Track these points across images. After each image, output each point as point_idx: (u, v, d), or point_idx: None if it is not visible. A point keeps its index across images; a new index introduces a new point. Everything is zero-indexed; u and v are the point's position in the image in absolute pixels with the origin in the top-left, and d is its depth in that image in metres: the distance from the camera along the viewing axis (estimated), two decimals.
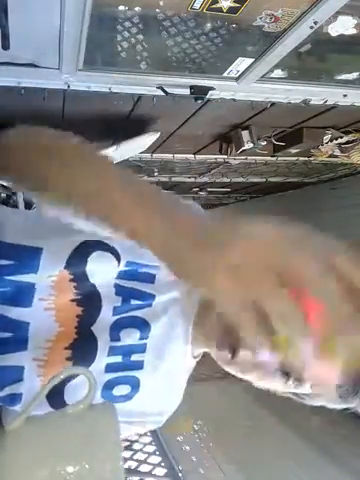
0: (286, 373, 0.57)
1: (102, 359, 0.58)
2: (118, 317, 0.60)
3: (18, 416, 0.34)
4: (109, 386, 0.58)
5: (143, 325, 0.61)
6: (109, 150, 1.85)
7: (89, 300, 0.60)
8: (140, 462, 2.49)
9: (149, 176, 2.81)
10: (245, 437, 2.85)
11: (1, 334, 0.57)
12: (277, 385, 0.60)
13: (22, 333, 0.57)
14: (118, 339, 0.59)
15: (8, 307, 0.57)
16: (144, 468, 2.48)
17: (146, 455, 2.54)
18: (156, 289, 0.63)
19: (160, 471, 2.50)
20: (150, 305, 0.62)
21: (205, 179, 3.10)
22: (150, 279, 0.63)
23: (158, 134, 1.83)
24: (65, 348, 0.57)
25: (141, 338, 0.61)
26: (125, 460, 2.36)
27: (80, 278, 0.60)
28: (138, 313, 0.61)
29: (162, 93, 1.32)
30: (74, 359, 0.57)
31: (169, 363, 0.62)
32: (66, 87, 1.27)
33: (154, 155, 2.33)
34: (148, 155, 2.31)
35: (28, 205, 2.23)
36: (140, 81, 1.27)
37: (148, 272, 0.63)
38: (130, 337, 0.60)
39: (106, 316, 0.59)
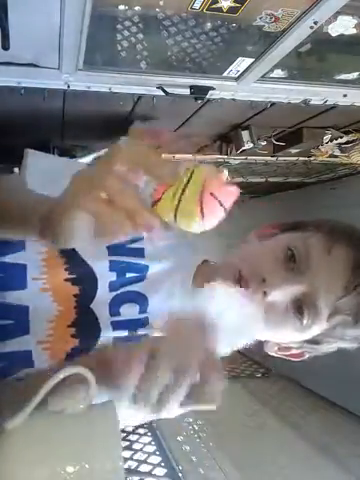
0: (299, 310, 0.57)
1: (108, 334, 0.59)
2: (115, 293, 0.61)
3: (18, 416, 0.34)
4: None
5: (141, 298, 0.62)
6: None
7: (84, 278, 0.61)
8: (140, 462, 2.49)
9: None
10: (245, 437, 2.85)
11: (2, 321, 0.57)
12: (292, 330, 0.59)
13: (23, 318, 0.57)
14: (118, 314, 0.60)
15: (3, 293, 0.58)
16: (144, 468, 2.48)
17: (146, 455, 2.54)
18: (148, 261, 0.64)
19: (160, 471, 2.50)
20: (145, 277, 0.63)
21: None
22: (140, 253, 0.64)
23: None
24: (68, 326, 0.58)
25: (141, 312, 0.61)
26: (125, 460, 2.36)
27: (68, 254, 0.61)
28: (134, 287, 0.62)
29: (162, 93, 1.32)
30: (79, 336, 0.58)
31: None
32: (66, 87, 1.27)
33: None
34: None
35: None
36: (140, 81, 1.27)
37: (137, 247, 0.64)
38: (129, 311, 0.61)
39: (103, 293, 0.61)
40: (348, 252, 0.59)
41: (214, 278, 0.61)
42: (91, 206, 0.39)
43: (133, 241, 0.64)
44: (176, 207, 0.42)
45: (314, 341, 0.62)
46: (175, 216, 0.43)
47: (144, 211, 0.40)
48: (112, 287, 0.61)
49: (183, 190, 0.43)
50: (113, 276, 0.62)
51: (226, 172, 0.45)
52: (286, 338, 0.63)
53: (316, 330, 0.59)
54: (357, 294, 0.57)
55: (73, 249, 0.59)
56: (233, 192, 0.48)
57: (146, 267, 0.64)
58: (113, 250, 0.62)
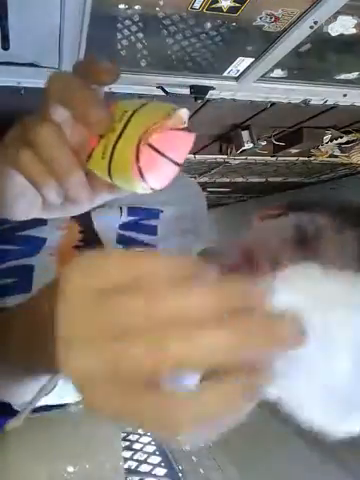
0: None
1: None
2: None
3: (18, 416, 0.34)
4: None
5: None
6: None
7: (90, 247, 0.61)
8: (140, 462, 2.49)
9: None
10: (245, 437, 2.85)
11: (5, 280, 0.57)
12: None
13: (27, 276, 0.57)
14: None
15: (15, 261, 0.58)
16: (144, 468, 2.48)
17: (146, 455, 2.54)
18: (158, 240, 0.63)
19: (160, 471, 2.50)
20: None
21: (205, 179, 3.10)
22: (153, 231, 0.64)
23: None
24: (73, 247, 0.59)
25: None
26: (125, 460, 2.36)
27: (88, 231, 0.61)
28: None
29: (162, 93, 1.32)
30: None
31: None
32: None
33: None
34: None
35: None
36: (140, 81, 1.27)
37: (150, 224, 0.64)
38: None
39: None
40: (357, 232, 0.56)
41: (220, 261, 0.59)
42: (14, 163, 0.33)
43: (150, 217, 0.64)
44: (109, 163, 0.33)
45: None
46: (109, 174, 0.34)
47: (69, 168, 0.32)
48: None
49: (116, 141, 0.33)
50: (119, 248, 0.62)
51: (184, 112, 0.34)
52: None
53: None
54: None
55: (91, 226, 0.60)
56: (184, 139, 0.36)
57: (155, 247, 0.63)
58: (126, 224, 0.62)
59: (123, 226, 0.62)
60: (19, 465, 0.33)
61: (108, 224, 0.62)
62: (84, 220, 0.62)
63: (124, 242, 0.62)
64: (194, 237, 0.69)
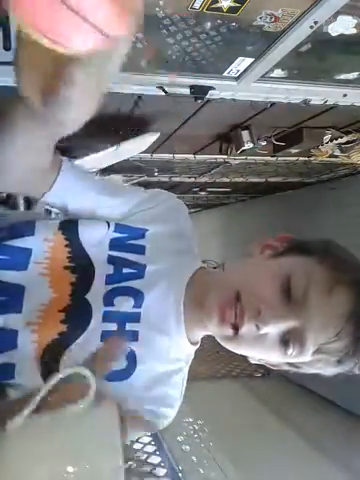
0: (286, 342, 0.57)
1: (98, 325, 0.58)
2: (112, 287, 0.61)
3: (18, 416, 0.34)
4: None
5: (137, 293, 0.61)
6: (109, 150, 1.85)
7: (82, 268, 0.61)
8: (140, 462, 2.49)
9: (149, 176, 2.81)
10: (245, 437, 2.85)
11: None
12: (277, 356, 0.59)
13: (17, 296, 0.57)
14: (112, 304, 0.60)
15: (3, 272, 0.59)
16: (144, 468, 2.48)
17: (146, 455, 2.54)
18: (147, 259, 0.63)
19: (160, 471, 2.50)
20: (142, 276, 0.62)
21: (205, 179, 3.10)
22: (140, 250, 0.64)
23: (158, 134, 1.83)
24: (59, 310, 0.58)
25: (135, 306, 0.61)
26: (125, 460, 2.35)
27: (74, 244, 0.61)
28: (132, 284, 0.61)
29: (162, 93, 1.32)
30: (68, 322, 0.57)
31: (164, 341, 0.61)
32: None
33: (154, 155, 2.33)
34: (148, 155, 2.31)
35: (28, 205, 2.23)
36: (140, 81, 1.27)
37: (137, 244, 0.64)
38: (124, 304, 0.60)
39: (100, 285, 0.60)
40: (349, 298, 0.57)
41: (211, 295, 0.60)
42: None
43: (134, 238, 0.65)
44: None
45: (294, 365, 0.62)
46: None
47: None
48: (109, 280, 0.61)
49: None
50: (110, 269, 0.61)
51: None
52: (270, 360, 0.64)
53: (300, 359, 0.59)
54: (347, 340, 0.55)
55: (77, 238, 0.61)
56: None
57: (144, 266, 0.63)
58: (114, 244, 0.63)
59: (112, 246, 0.62)
60: (19, 465, 0.33)
61: (94, 239, 0.62)
62: (70, 232, 0.62)
63: (114, 263, 0.62)
64: (187, 256, 0.69)
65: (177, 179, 3.04)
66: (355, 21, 1.05)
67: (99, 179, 0.78)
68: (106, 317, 0.59)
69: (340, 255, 0.62)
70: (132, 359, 0.59)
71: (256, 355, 0.63)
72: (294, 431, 2.91)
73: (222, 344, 0.62)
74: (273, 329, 0.56)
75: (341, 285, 0.57)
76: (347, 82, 1.38)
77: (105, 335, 0.58)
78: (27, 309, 0.57)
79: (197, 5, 0.95)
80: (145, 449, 2.44)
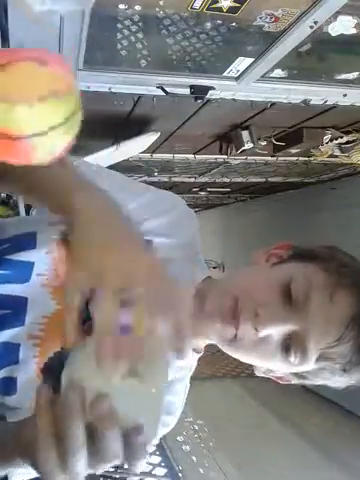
0: (287, 348, 0.56)
1: None
2: None
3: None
4: None
5: None
6: (109, 150, 1.85)
7: None
8: None
9: (149, 176, 2.81)
10: (245, 437, 2.85)
11: (1, 311, 0.57)
12: (279, 363, 0.58)
13: (21, 308, 0.57)
14: None
15: (6, 285, 0.58)
16: (144, 468, 2.48)
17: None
18: None
19: (160, 471, 2.50)
20: None
21: (205, 179, 3.10)
22: None
23: (158, 134, 1.83)
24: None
25: None
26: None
27: None
28: None
29: (162, 93, 1.32)
30: None
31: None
32: None
33: (154, 155, 2.33)
34: (148, 155, 2.31)
35: (28, 205, 2.23)
36: (140, 81, 1.26)
37: None
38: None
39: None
40: (351, 302, 0.56)
41: (210, 301, 0.60)
42: None
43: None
44: None
45: (300, 376, 0.61)
46: None
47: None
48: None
49: None
50: None
51: None
52: (273, 368, 0.61)
53: (303, 368, 0.58)
54: (349, 345, 0.54)
55: None
56: None
57: None
58: None
59: None
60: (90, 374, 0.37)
61: None
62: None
63: None
64: (190, 266, 0.68)
65: (177, 179, 3.04)
66: (355, 21, 1.05)
67: (107, 173, 0.76)
68: None
69: (343, 260, 0.62)
70: None
71: (259, 362, 0.61)
72: (294, 431, 2.91)
73: (225, 351, 0.61)
74: (272, 332, 0.56)
75: (343, 289, 0.57)
76: (347, 82, 1.38)
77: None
78: (30, 321, 0.56)
79: (197, 5, 0.95)
80: None
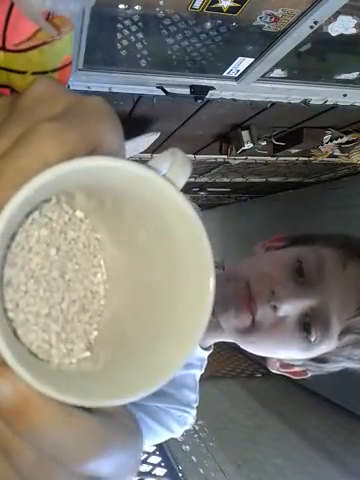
0: (307, 326, 0.54)
1: None
2: None
3: None
4: None
5: None
6: None
7: None
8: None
9: None
10: (245, 437, 2.85)
11: None
12: (300, 348, 0.55)
13: None
14: None
15: None
16: (144, 468, 2.48)
17: (146, 455, 2.54)
18: None
19: (160, 471, 2.50)
20: None
21: (205, 179, 3.10)
22: None
23: (158, 134, 1.83)
24: None
25: None
26: None
27: None
28: None
29: (162, 93, 1.32)
30: None
31: None
32: (66, 87, 1.27)
33: (154, 155, 2.33)
34: (148, 155, 2.31)
35: None
36: (140, 81, 1.27)
37: None
38: None
39: None
40: None
41: (220, 291, 0.58)
42: None
43: None
44: None
45: (320, 359, 0.58)
46: None
47: None
48: None
49: None
50: None
51: None
52: (291, 356, 0.59)
53: (324, 349, 0.55)
54: None
55: None
56: None
57: None
58: None
59: None
60: None
61: None
62: None
63: None
64: None
65: None
66: (355, 21, 1.05)
67: None
68: None
69: (346, 237, 0.62)
70: None
71: (277, 350, 0.58)
72: (294, 431, 2.91)
73: (241, 345, 0.60)
74: (291, 309, 0.54)
75: (354, 259, 0.56)
76: (347, 82, 1.38)
77: None
78: None
79: (197, 5, 0.95)
80: (145, 449, 2.45)
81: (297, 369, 0.62)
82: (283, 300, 0.53)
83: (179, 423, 0.60)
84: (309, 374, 0.61)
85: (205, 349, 0.63)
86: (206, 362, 0.65)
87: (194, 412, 0.62)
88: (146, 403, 0.56)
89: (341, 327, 0.53)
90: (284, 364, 0.62)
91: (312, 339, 0.54)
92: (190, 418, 0.61)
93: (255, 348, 0.58)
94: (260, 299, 0.54)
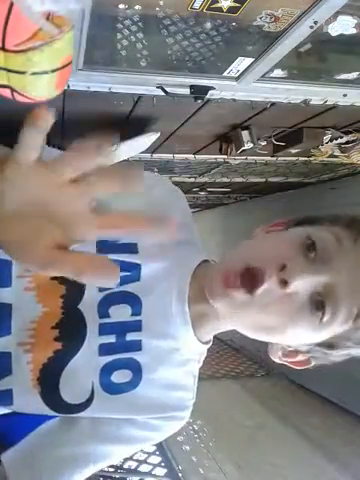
0: (319, 304, 0.50)
1: (94, 339, 0.55)
2: (105, 293, 0.56)
3: None
4: (107, 371, 0.55)
5: (133, 300, 0.56)
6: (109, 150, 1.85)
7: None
8: (140, 462, 2.49)
9: None
10: (245, 437, 2.85)
11: None
12: (308, 327, 0.51)
13: (5, 316, 0.54)
14: (107, 316, 0.55)
15: None
16: (144, 468, 2.48)
17: (146, 455, 2.54)
18: (141, 258, 0.57)
19: (160, 471, 2.50)
20: (138, 278, 0.57)
21: (205, 179, 3.10)
22: (132, 249, 0.58)
23: (158, 134, 1.83)
24: (52, 327, 0.54)
25: (133, 314, 0.56)
26: (125, 460, 2.36)
27: None
28: (127, 288, 0.57)
29: (162, 93, 1.32)
30: (62, 339, 0.54)
31: (171, 345, 0.57)
32: (66, 87, 1.27)
33: (154, 155, 2.33)
34: (148, 155, 2.31)
35: None
36: (140, 81, 1.26)
37: (128, 242, 0.58)
38: (120, 313, 0.56)
39: (92, 293, 0.56)
40: None
41: (212, 272, 0.55)
42: None
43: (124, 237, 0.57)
44: None
45: (328, 344, 0.54)
46: None
47: None
48: (102, 287, 0.55)
49: None
50: None
51: None
52: (298, 339, 0.54)
53: (335, 330, 0.51)
54: None
55: None
56: None
57: (138, 266, 0.57)
58: (102, 246, 0.55)
59: (101, 248, 0.55)
60: None
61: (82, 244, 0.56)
62: None
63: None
64: (187, 247, 0.63)
65: (177, 179, 3.04)
66: (355, 21, 1.05)
67: None
68: (102, 330, 0.55)
69: (351, 216, 0.58)
70: (137, 369, 0.55)
71: (282, 332, 0.53)
72: (294, 431, 2.91)
73: (240, 327, 0.56)
74: (303, 286, 0.50)
75: None
76: (347, 82, 1.38)
77: (103, 349, 0.55)
78: (17, 329, 0.53)
79: (197, 5, 0.95)
80: (145, 449, 2.44)
81: (301, 357, 0.58)
82: (295, 275, 0.49)
83: (165, 431, 0.59)
84: (313, 363, 0.58)
85: (205, 343, 0.60)
86: (205, 355, 0.63)
87: (187, 413, 0.60)
88: (136, 417, 0.55)
89: (356, 307, 0.50)
90: (287, 352, 0.58)
91: (325, 319, 0.50)
92: (183, 420, 0.60)
93: (255, 327, 0.54)
94: (269, 271, 0.50)
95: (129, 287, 0.57)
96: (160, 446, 2.56)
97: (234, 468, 2.54)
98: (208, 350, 0.62)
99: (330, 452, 2.66)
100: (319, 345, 0.55)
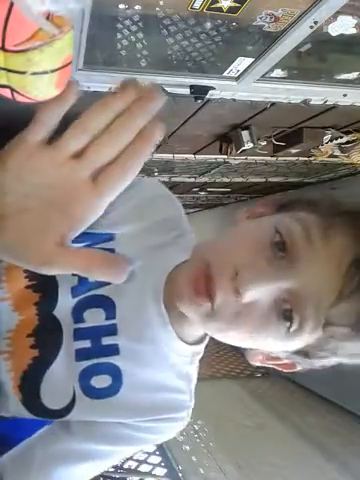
0: (285, 313, 0.45)
1: (70, 344, 0.54)
2: (79, 298, 0.55)
3: None
4: (86, 376, 0.54)
5: (107, 303, 0.55)
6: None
7: (44, 284, 0.55)
8: (140, 462, 2.49)
9: (149, 176, 2.81)
10: (245, 437, 2.85)
11: None
12: (275, 337, 0.46)
13: None
14: (82, 320, 0.54)
15: None
16: (144, 468, 2.48)
17: (146, 455, 2.54)
18: None
19: (160, 471, 2.50)
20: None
21: (205, 179, 3.09)
22: (109, 251, 0.56)
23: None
24: (28, 335, 0.54)
25: (108, 317, 0.55)
26: (125, 460, 2.36)
27: None
28: (99, 291, 0.55)
29: (162, 93, 1.32)
30: (39, 346, 0.54)
31: (150, 348, 0.55)
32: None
33: (154, 155, 2.33)
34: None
35: None
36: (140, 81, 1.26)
37: (106, 247, 0.56)
38: (94, 317, 0.54)
39: (65, 299, 0.55)
40: (348, 241, 0.45)
41: (179, 277, 0.51)
42: None
43: (102, 241, 0.56)
44: None
45: (304, 353, 0.49)
46: None
47: None
48: (75, 292, 0.54)
49: None
50: (75, 280, 0.54)
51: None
52: (271, 347, 0.50)
53: (305, 340, 0.46)
54: (356, 298, 0.43)
55: None
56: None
57: None
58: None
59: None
60: None
61: None
62: None
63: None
64: (167, 249, 0.59)
65: (177, 179, 3.04)
66: (355, 21, 1.05)
67: None
68: (77, 335, 0.54)
69: (333, 201, 0.53)
70: (117, 374, 0.54)
71: (250, 342, 0.49)
72: (294, 431, 2.91)
73: (211, 334, 0.53)
74: (258, 294, 0.44)
75: (338, 228, 0.46)
76: (347, 82, 1.38)
77: (79, 354, 0.54)
78: None
79: (197, 5, 0.95)
80: (145, 449, 2.45)
81: (286, 361, 0.53)
82: (247, 284, 0.43)
83: (166, 433, 0.59)
84: (298, 367, 0.54)
85: (193, 343, 0.57)
86: (200, 355, 0.60)
87: (186, 412, 0.59)
88: (138, 423, 0.55)
89: (322, 315, 0.44)
90: (269, 357, 0.54)
91: (292, 329, 0.45)
92: (181, 422, 0.59)
93: (224, 337, 0.50)
94: (219, 282, 0.45)
95: (102, 290, 0.55)
96: (160, 446, 2.56)
97: (234, 468, 2.54)
98: (208, 350, 0.60)
99: (330, 452, 2.66)
100: (295, 353, 0.50)
